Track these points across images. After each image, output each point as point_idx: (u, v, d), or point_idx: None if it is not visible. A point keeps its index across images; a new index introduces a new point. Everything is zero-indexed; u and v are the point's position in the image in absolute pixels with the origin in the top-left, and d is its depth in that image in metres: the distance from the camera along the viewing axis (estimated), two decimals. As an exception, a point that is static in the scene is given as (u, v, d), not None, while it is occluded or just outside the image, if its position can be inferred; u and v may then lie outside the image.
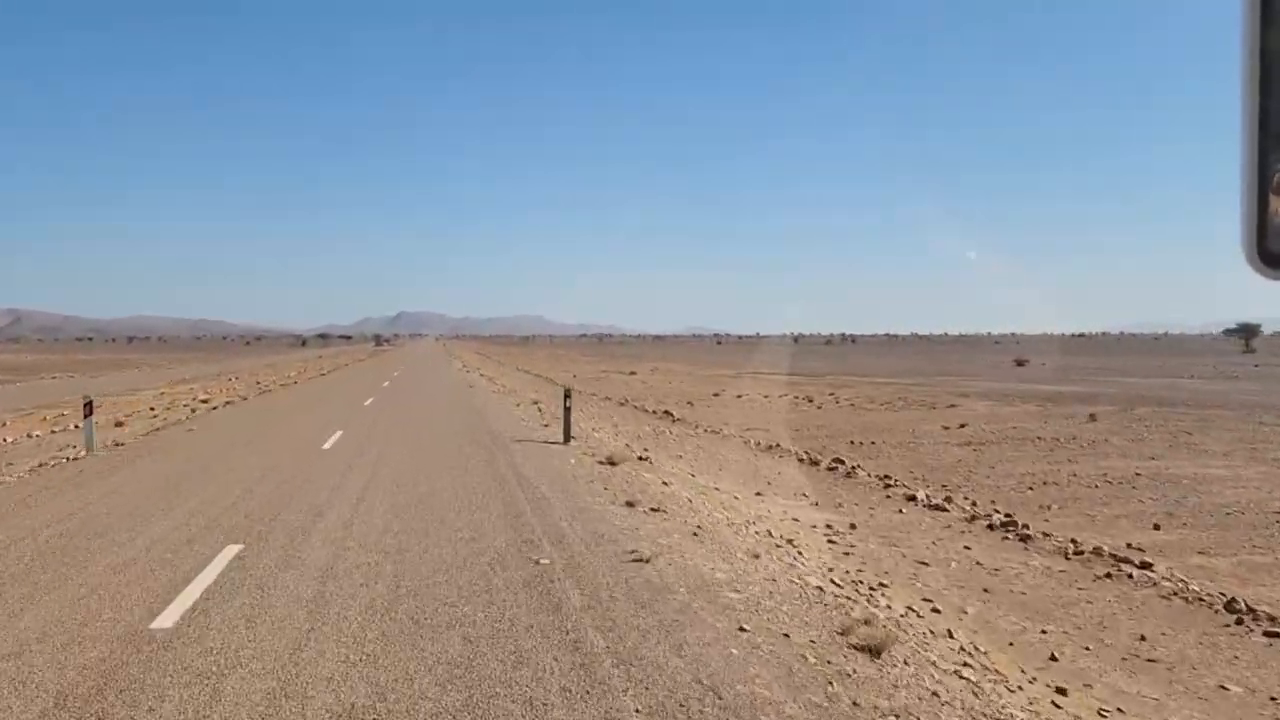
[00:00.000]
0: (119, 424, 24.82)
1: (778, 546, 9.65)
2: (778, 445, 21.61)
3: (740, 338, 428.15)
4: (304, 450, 17.03)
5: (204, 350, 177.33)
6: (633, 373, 70.27)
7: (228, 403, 31.93)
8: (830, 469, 18.08)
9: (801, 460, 19.30)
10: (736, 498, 13.15)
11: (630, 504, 11.57)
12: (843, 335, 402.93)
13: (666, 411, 31.83)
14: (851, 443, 23.11)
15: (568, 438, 16.98)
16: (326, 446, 17.45)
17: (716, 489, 13.92)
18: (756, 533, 10.44)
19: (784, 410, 35.69)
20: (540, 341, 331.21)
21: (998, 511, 13.64)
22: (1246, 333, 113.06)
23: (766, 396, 43.65)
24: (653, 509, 11.24)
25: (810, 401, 39.63)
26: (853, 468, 17.98)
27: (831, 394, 44.58)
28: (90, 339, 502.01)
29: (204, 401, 33.88)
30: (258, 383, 49.95)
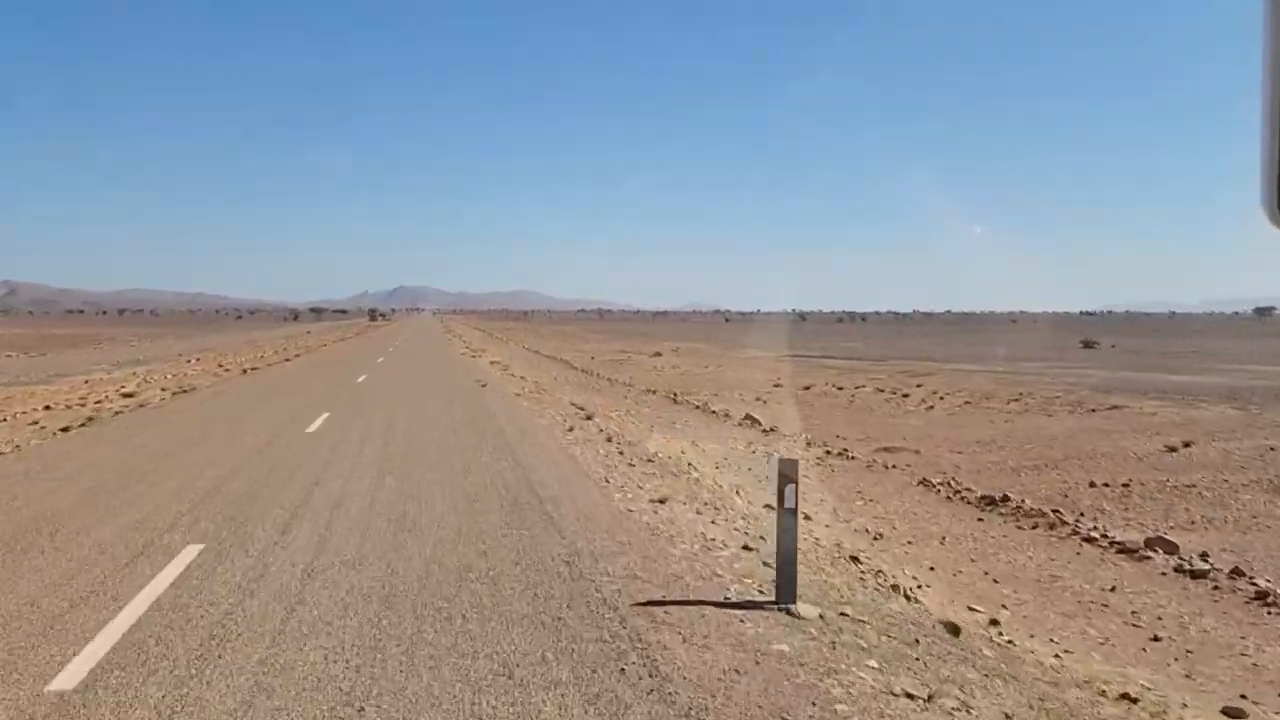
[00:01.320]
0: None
1: None
2: (1004, 498, 13.05)
3: (742, 314, 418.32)
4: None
5: (193, 324, 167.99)
6: (657, 354, 61.77)
7: (115, 412, 23.42)
8: (1188, 570, 9.59)
9: (1093, 542, 10.78)
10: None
11: None
12: (850, 313, 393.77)
13: (749, 417, 23.37)
14: (1092, 484, 14.61)
15: (791, 595, 6.01)
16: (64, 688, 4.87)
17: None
18: None
19: (883, 411, 27.28)
20: (539, 316, 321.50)
21: None
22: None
23: (840, 389, 35.27)
24: None
25: (905, 398, 31.23)
26: (1221, 573, 9.46)
27: (919, 385, 36.22)
28: (81, 311, 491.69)
29: (127, 396, 25.78)
30: (220, 365, 41.55)
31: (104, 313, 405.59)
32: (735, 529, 8.10)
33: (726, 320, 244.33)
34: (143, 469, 11.81)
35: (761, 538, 7.69)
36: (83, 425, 16.28)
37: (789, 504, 5.99)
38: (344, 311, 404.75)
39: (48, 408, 22.81)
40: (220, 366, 40.85)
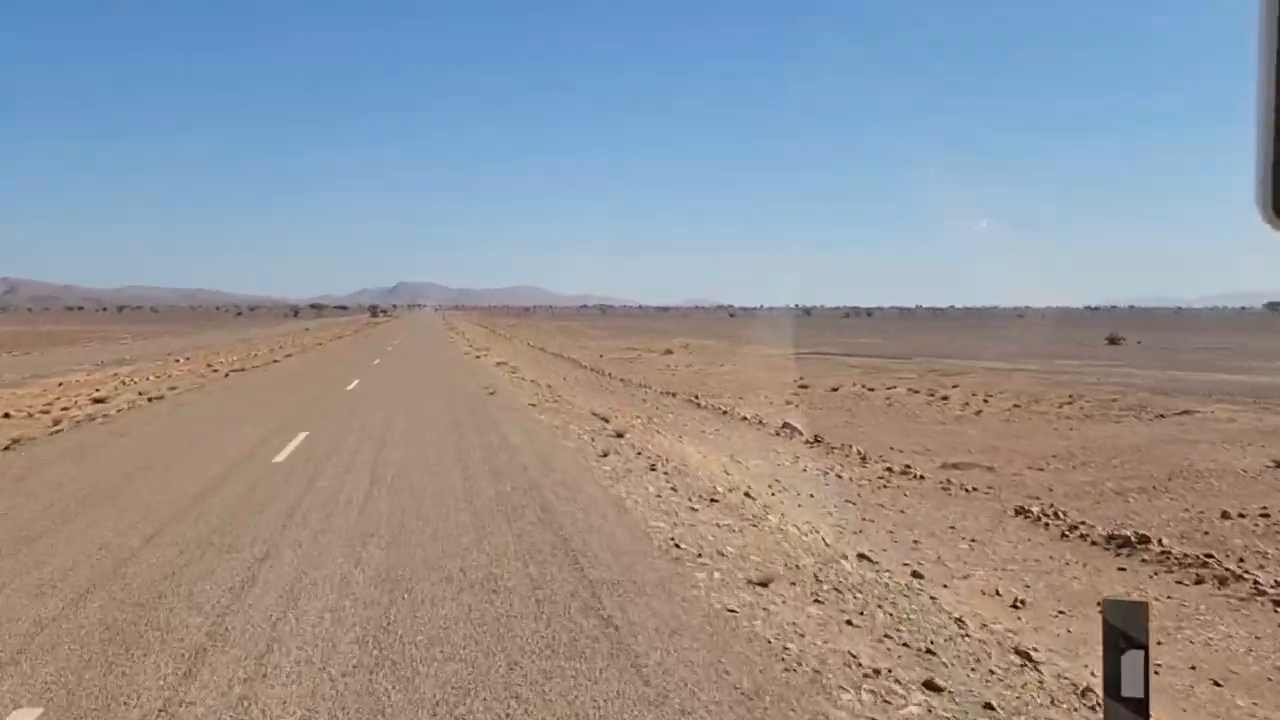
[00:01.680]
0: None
1: None
2: (1142, 539, 10.64)
3: (746, 310, 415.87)
4: None
5: (191, 321, 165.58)
6: (668, 351, 59.38)
7: (58, 429, 21.22)
8: None
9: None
10: None
11: None
12: (855, 309, 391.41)
13: (787, 425, 20.98)
14: (1224, 515, 12.19)
15: None
16: None
17: None
18: None
19: (928, 416, 24.90)
20: (541, 313, 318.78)
21: None
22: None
23: (871, 389, 32.87)
24: None
25: (945, 400, 28.83)
26: None
27: (954, 386, 33.80)
28: (81, 308, 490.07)
29: (98, 402, 23.95)
30: (209, 365, 39.31)
31: (104, 309, 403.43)
32: (886, 636, 5.56)
33: (731, 316, 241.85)
34: (29, 530, 8.60)
35: (929, 651, 5.28)
36: (7, 448, 13.69)
37: (1131, 691, 2.63)
38: (344, 308, 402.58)
39: (7, 415, 20.61)
40: (209, 367, 38.62)
